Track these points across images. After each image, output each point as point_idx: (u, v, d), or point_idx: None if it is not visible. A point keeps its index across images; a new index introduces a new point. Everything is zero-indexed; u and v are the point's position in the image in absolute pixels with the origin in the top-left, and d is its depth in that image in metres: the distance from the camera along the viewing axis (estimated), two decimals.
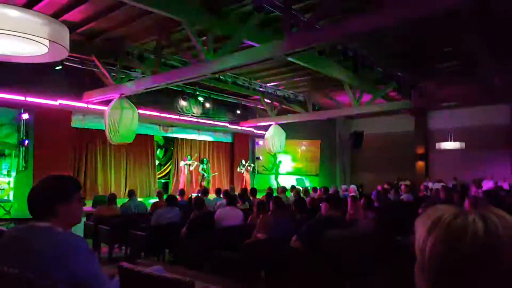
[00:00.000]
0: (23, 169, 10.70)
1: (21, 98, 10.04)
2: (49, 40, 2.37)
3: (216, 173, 16.07)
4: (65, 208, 1.81)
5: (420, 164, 16.32)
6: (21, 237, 1.76)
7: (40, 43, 2.46)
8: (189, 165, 14.70)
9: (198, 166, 15.08)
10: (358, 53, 8.95)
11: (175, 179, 15.30)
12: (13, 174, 10.55)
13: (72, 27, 7.88)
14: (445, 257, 0.72)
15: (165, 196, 7.84)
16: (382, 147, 17.13)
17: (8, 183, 10.28)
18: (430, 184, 13.06)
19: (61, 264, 1.65)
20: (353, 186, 10.68)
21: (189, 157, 14.81)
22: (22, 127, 10.78)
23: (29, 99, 10.15)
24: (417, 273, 0.78)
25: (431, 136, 16.17)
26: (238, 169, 16.39)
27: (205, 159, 15.40)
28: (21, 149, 10.73)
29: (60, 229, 1.76)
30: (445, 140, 14.59)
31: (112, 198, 7.37)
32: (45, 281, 1.62)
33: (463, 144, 14.08)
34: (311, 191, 10.40)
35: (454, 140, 14.37)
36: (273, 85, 13.35)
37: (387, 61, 10.22)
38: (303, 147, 18.34)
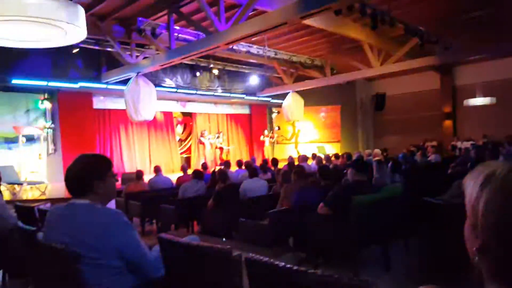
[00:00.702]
0: (52, 151, 11.10)
1: (44, 83, 10.24)
2: (67, 23, 2.37)
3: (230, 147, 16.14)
4: (101, 185, 1.89)
5: (447, 123, 15.73)
6: (65, 215, 1.85)
7: (59, 26, 2.46)
8: (210, 139, 14.85)
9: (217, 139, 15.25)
10: (377, 9, 8.53)
11: (196, 153, 15.49)
12: (44, 157, 10.92)
13: (84, 8, 7.85)
14: (500, 212, 0.68)
15: (189, 171, 7.98)
16: (406, 108, 16.62)
17: (40, 165, 10.65)
18: (458, 143, 12.71)
19: (104, 237, 1.74)
20: (377, 150, 10.52)
21: (206, 132, 14.96)
22: (47, 111, 11.08)
23: (51, 83, 10.35)
24: (468, 232, 0.75)
25: (458, 93, 15.49)
26: (261, 138, 16.47)
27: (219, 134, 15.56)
28: (49, 132, 11.07)
29: (99, 205, 1.85)
30: (473, 96, 13.90)
31: (140, 174, 7.55)
32: (90, 254, 1.71)
33: (493, 99, 13.40)
34: (333, 158, 10.33)
35: (483, 96, 13.72)
36: (288, 51, 13.06)
37: (409, 15, 9.73)
38: (323, 114, 18.10)
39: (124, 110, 10.66)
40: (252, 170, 6.32)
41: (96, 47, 10.24)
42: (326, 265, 4.05)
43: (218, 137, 15.30)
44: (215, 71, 13.57)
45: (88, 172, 1.89)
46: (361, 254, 3.91)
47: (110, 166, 2.00)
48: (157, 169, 7.91)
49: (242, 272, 1.75)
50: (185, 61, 11.24)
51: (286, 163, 9.24)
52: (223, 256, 1.76)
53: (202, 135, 14.99)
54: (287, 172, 5.50)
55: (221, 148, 15.47)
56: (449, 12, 9.96)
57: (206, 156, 14.83)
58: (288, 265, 1.51)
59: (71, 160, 1.97)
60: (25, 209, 4.21)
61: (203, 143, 15.07)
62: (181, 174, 8.39)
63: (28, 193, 9.24)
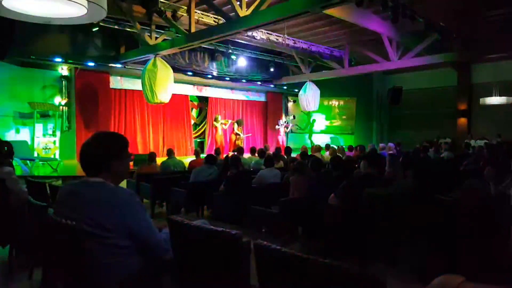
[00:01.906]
0: (66, 129, 11.23)
1: (61, 60, 10.33)
2: (88, 1, 2.38)
3: (249, 134, 16.14)
4: (117, 164, 1.87)
5: (462, 120, 15.58)
6: (76, 192, 1.84)
7: (79, 3, 2.47)
8: (224, 124, 14.86)
9: (232, 124, 15.22)
10: (399, 2, 8.38)
11: (210, 138, 15.54)
12: (58, 134, 11.08)
13: None
14: None
15: (202, 155, 8.01)
16: (422, 103, 16.45)
17: (54, 142, 10.83)
18: (472, 142, 12.56)
19: (116, 215, 1.74)
20: (391, 144, 10.43)
21: (219, 117, 14.97)
22: (63, 88, 11.19)
23: (69, 61, 10.44)
24: None
25: (474, 90, 15.29)
26: (276, 127, 16.42)
27: (239, 120, 15.51)
28: (64, 109, 11.19)
29: (111, 184, 1.84)
30: (490, 95, 13.77)
31: (152, 156, 7.60)
32: (99, 231, 1.71)
33: (510, 99, 13.25)
34: (346, 150, 10.28)
35: (500, 95, 13.53)
36: (308, 40, 12.92)
37: (430, 10, 9.53)
38: (339, 105, 17.95)
39: (140, 91, 10.72)
40: (267, 160, 6.25)
41: (116, 27, 10.28)
42: (333, 256, 4.05)
43: (233, 122, 15.25)
44: (233, 57, 13.51)
45: (107, 151, 1.86)
46: (369, 247, 3.90)
47: (127, 145, 1.97)
48: (170, 152, 7.96)
49: (250, 259, 1.76)
50: (203, 46, 11.22)
51: (299, 152, 9.22)
52: (233, 241, 1.76)
53: (215, 120, 15.00)
54: (301, 162, 5.48)
55: (237, 134, 15.47)
56: (470, 9, 9.74)
57: (216, 140, 14.88)
58: (297, 253, 1.51)
59: (85, 139, 1.95)
60: (36, 185, 4.25)
61: (216, 127, 15.10)
62: (194, 158, 8.44)
63: (40, 170, 9.39)
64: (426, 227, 4.11)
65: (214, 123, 14.97)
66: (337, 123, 17.81)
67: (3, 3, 2.62)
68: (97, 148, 1.87)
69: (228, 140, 15.23)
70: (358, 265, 3.40)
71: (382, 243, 3.99)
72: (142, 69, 10.25)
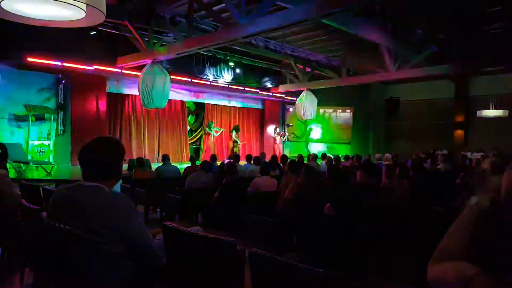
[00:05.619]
0: (61, 132, 11.16)
1: (58, 63, 10.30)
2: (87, 4, 2.38)
3: (244, 142, 16.18)
4: (119, 170, 1.92)
5: (459, 132, 15.70)
6: (71, 196, 1.81)
7: (78, 7, 2.47)
8: (215, 132, 14.92)
9: (227, 132, 15.28)
10: (398, 13, 8.44)
11: (205, 145, 15.53)
12: (53, 137, 11.02)
13: None
14: None
15: (198, 162, 7.97)
16: (419, 114, 16.56)
17: (48, 146, 10.76)
18: (468, 154, 12.62)
19: (109, 221, 1.71)
20: (387, 155, 10.45)
21: (212, 123, 14.99)
22: (60, 92, 11.15)
23: (66, 64, 10.41)
24: None
25: (472, 103, 15.43)
26: (272, 135, 16.44)
27: (236, 126, 15.54)
28: (59, 113, 11.13)
29: (107, 188, 1.82)
30: (487, 108, 13.90)
31: (140, 162, 7.50)
32: (93, 237, 1.69)
33: (507, 112, 13.36)
34: (342, 159, 10.26)
35: (497, 108, 13.66)
36: (306, 49, 12.98)
37: (429, 23, 9.62)
38: (336, 114, 18.01)
39: (137, 95, 10.72)
40: (263, 167, 6.18)
41: (114, 31, 10.27)
42: (328, 267, 4.01)
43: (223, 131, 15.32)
44: (231, 64, 13.55)
45: (119, 157, 1.91)
46: (364, 258, 3.87)
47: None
48: (165, 158, 7.92)
49: (244, 267, 1.74)
50: (201, 52, 11.25)
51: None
52: (228, 249, 1.74)
53: (208, 126, 15.04)
54: (294, 161, 5.46)
55: (234, 142, 15.52)
56: (469, 22, 9.84)
57: (209, 146, 14.91)
58: (292, 262, 1.49)
59: (80, 143, 1.95)
60: (30, 188, 4.20)
61: (209, 134, 15.13)
62: (189, 164, 8.40)
63: (33, 173, 9.32)
64: (422, 238, 4.10)
65: (207, 129, 15.00)
66: (334, 132, 17.85)
67: (1, 4, 2.61)
68: (111, 155, 1.89)
69: (223, 147, 15.26)
70: (354, 276, 3.37)
71: (379, 254, 3.96)
72: (139, 74, 10.24)
